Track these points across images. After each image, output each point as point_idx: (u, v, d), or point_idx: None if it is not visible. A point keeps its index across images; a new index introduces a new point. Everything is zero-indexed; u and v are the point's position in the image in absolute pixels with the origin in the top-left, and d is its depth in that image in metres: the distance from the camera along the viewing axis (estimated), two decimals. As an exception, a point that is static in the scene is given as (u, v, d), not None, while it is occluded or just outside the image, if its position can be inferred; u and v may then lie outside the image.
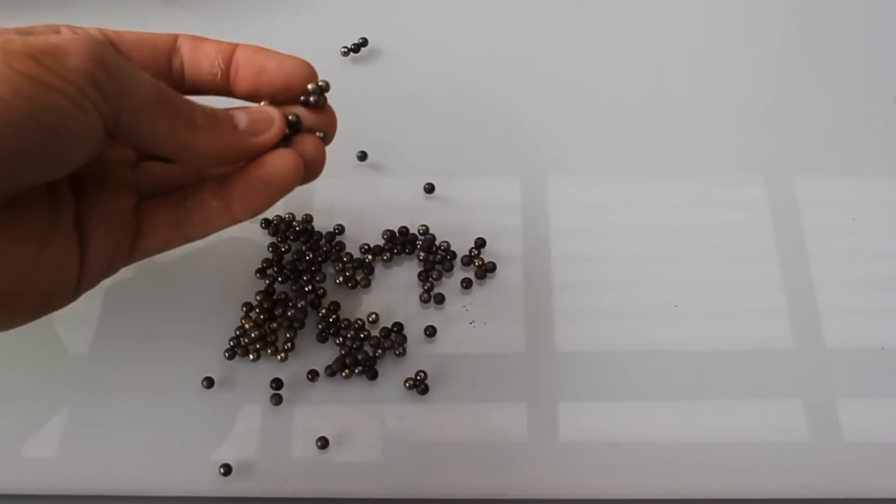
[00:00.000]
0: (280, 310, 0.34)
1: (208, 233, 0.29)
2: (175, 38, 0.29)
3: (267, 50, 0.30)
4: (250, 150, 0.28)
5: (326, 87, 0.29)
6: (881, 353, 0.34)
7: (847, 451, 0.33)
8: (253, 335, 0.34)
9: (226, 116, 0.28)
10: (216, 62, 0.29)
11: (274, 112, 0.28)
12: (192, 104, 0.27)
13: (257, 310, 0.34)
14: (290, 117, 0.29)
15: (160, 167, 0.30)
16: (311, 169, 0.29)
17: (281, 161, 0.28)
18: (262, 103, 0.29)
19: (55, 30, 0.27)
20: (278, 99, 0.29)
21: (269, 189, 0.28)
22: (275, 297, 0.35)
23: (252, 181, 0.28)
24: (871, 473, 0.32)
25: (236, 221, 0.29)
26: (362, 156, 0.38)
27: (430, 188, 0.37)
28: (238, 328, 0.34)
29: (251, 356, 0.34)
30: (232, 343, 0.34)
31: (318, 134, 0.29)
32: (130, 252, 0.28)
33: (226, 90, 0.30)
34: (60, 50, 0.23)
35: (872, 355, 0.34)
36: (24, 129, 0.22)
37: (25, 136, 0.22)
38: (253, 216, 0.29)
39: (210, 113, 0.27)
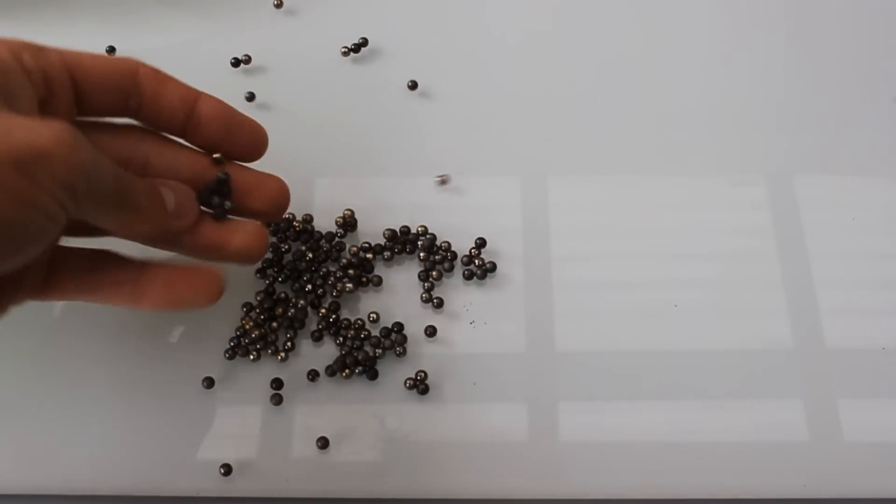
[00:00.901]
0: (280, 310, 0.34)
1: (106, 304, 0.29)
2: (137, 69, 0.29)
3: (230, 106, 0.30)
4: (171, 233, 0.29)
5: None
6: (881, 353, 0.34)
7: (847, 451, 0.33)
8: (253, 335, 0.34)
9: (159, 196, 0.28)
10: (179, 112, 0.29)
11: (195, 205, 0.30)
12: (139, 186, 0.27)
13: (257, 310, 0.34)
14: (220, 175, 0.30)
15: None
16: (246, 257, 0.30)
17: (209, 278, 0.29)
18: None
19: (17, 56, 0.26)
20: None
21: (190, 298, 0.29)
22: (275, 297, 0.35)
23: (176, 283, 0.29)
24: (871, 473, 0.32)
25: (137, 308, 0.29)
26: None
27: (413, 85, 0.38)
28: (238, 328, 0.34)
29: (251, 356, 0.34)
30: (232, 343, 0.34)
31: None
32: (35, 295, 0.28)
33: (181, 136, 0.30)
34: (45, 158, 0.22)
35: (872, 355, 0.34)
36: None
37: None
38: (157, 311, 0.30)
39: (152, 194, 0.28)
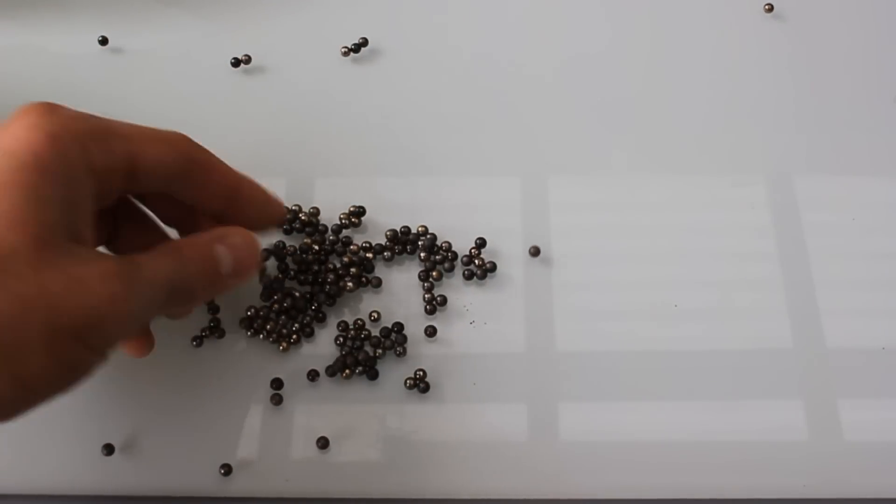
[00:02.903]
0: (285, 301, 0.34)
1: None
2: (191, 155, 0.28)
3: (266, 192, 0.31)
4: (227, 289, 0.29)
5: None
6: (881, 353, 0.34)
7: (847, 451, 0.33)
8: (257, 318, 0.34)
9: (213, 267, 0.28)
10: (220, 200, 0.30)
11: (256, 256, 0.29)
12: (192, 273, 0.27)
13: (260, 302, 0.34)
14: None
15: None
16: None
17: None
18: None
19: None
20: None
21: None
22: (275, 293, 0.35)
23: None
24: (871, 473, 0.32)
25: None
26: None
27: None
28: (249, 308, 0.34)
29: (262, 334, 0.34)
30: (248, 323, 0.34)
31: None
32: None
33: (214, 216, 0.31)
34: (100, 321, 0.23)
35: (872, 355, 0.34)
36: None
37: None
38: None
39: (206, 269, 0.27)
